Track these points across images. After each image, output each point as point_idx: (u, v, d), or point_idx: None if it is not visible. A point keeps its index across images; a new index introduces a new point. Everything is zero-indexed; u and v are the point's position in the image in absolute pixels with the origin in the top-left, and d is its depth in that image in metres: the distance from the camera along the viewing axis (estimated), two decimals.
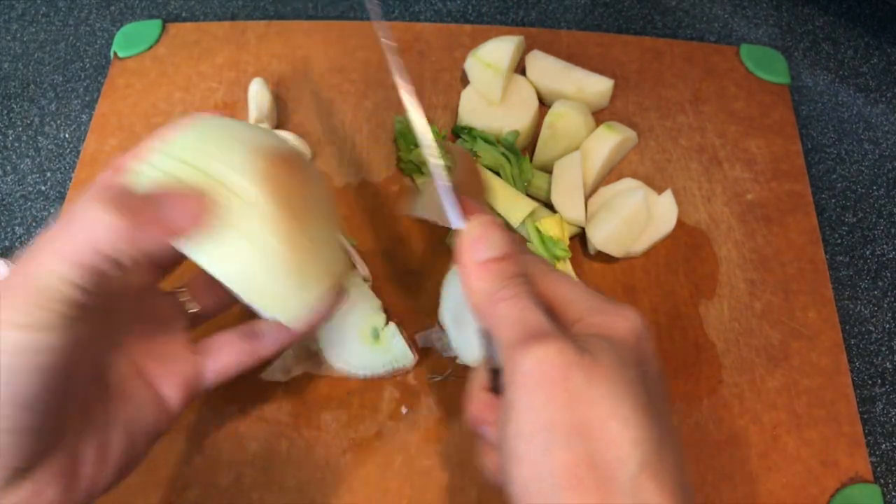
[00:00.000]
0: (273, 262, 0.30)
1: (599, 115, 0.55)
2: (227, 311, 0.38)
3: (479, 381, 0.32)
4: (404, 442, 0.43)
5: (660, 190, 0.51)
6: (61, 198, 0.53)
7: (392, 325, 0.45)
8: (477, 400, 0.32)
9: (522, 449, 0.26)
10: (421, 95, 0.56)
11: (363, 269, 0.46)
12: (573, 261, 0.48)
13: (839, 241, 0.53)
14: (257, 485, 0.42)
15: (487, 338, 0.31)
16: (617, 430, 0.25)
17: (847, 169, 0.56)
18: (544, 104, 0.55)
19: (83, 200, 0.28)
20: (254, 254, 0.30)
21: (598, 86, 0.54)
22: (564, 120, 0.51)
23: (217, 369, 0.35)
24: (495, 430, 0.29)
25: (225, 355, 0.35)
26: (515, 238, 0.31)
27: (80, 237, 0.27)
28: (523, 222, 0.48)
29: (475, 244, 0.29)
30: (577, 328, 0.29)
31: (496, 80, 0.53)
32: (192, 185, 0.30)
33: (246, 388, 0.44)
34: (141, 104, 0.55)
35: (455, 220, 0.30)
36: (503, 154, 0.50)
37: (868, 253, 0.53)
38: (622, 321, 0.28)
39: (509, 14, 0.63)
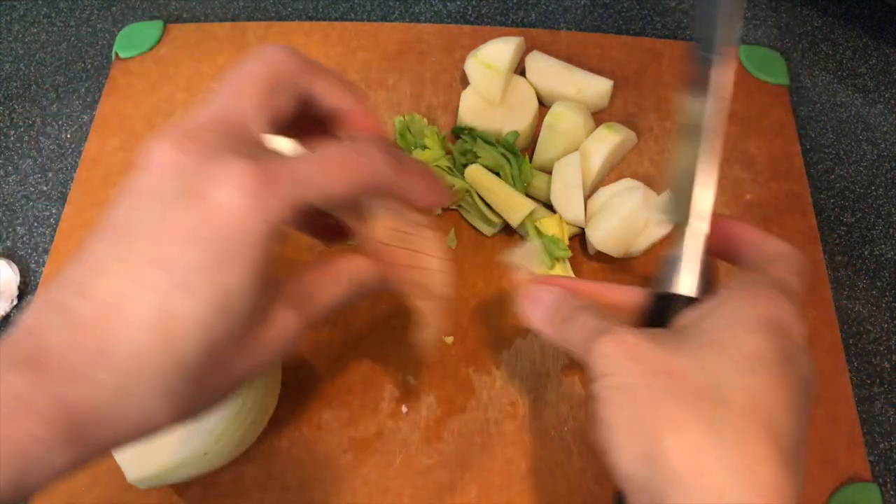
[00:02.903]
0: None
1: (599, 116, 0.56)
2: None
3: None
4: (404, 441, 0.43)
5: (659, 190, 0.51)
6: (63, 198, 0.53)
7: None
8: None
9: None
10: (421, 96, 0.57)
11: None
12: (573, 261, 0.48)
13: (838, 241, 0.53)
14: (258, 483, 0.42)
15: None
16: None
17: (845, 169, 0.56)
18: (544, 105, 0.55)
19: None
20: None
21: (597, 86, 0.55)
22: (564, 120, 0.51)
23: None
24: None
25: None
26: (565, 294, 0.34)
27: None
28: (523, 222, 0.48)
29: (530, 307, 0.33)
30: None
31: (496, 80, 0.53)
32: None
33: None
34: (142, 105, 0.56)
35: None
36: (503, 154, 0.50)
37: (866, 253, 0.53)
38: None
39: (509, 15, 0.64)
